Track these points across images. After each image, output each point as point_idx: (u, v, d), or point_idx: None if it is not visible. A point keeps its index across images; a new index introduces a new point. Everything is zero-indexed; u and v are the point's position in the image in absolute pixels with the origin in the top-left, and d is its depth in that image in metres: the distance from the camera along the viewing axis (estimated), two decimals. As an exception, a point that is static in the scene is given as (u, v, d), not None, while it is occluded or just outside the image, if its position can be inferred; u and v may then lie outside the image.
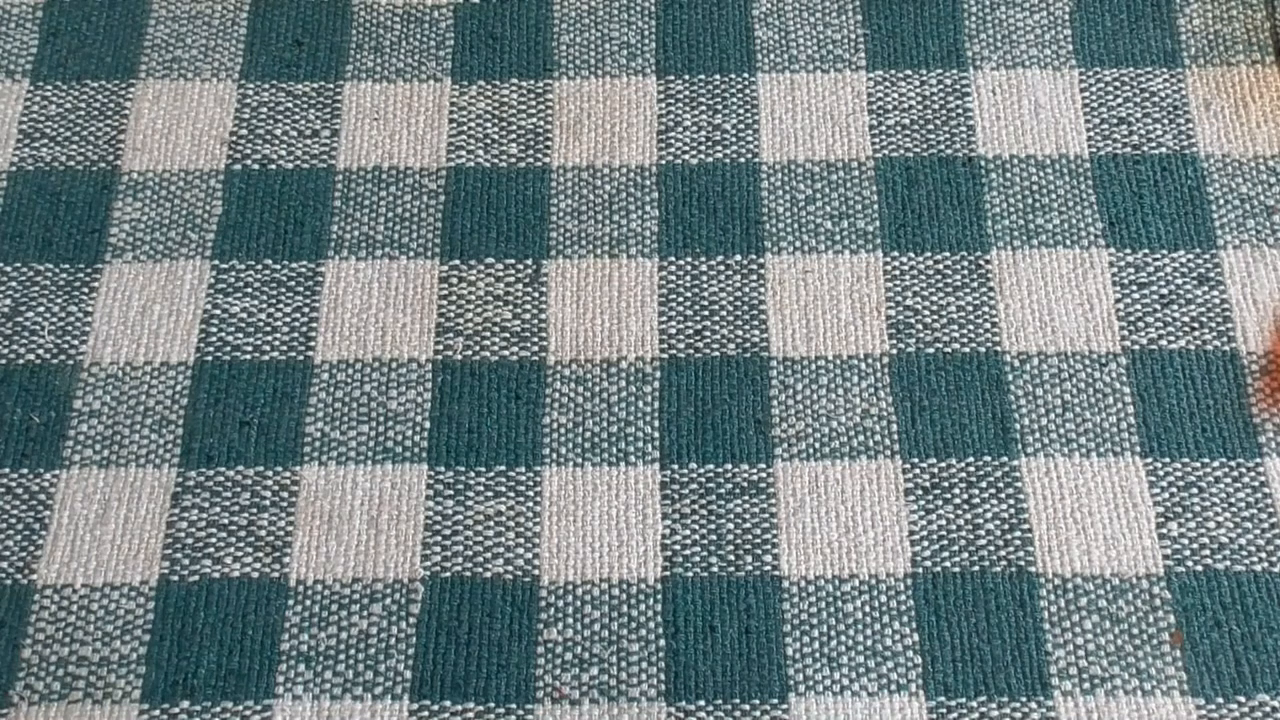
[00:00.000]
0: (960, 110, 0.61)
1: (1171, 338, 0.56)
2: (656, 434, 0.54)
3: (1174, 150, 0.60)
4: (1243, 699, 0.49)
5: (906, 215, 0.58)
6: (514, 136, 0.61)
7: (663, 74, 0.63)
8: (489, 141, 0.61)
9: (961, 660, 0.50)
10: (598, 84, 0.63)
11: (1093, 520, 0.52)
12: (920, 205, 0.59)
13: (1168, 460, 0.54)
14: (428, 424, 0.55)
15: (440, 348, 0.56)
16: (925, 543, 0.52)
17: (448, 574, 0.52)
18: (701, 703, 0.49)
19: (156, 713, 0.49)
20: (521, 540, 0.52)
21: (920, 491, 0.53)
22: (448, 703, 0.50)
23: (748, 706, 0.49)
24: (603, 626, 0.51)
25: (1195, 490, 0.53)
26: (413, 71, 0.63)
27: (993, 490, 0.53)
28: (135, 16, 0.64)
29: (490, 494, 0.53)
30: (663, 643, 0.51)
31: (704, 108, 0.62)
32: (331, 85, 0.63)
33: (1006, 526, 0.52)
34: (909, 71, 0.62)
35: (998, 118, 0.61)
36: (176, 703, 0.50)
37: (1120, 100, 0.61)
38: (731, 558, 0.52)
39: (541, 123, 0.62)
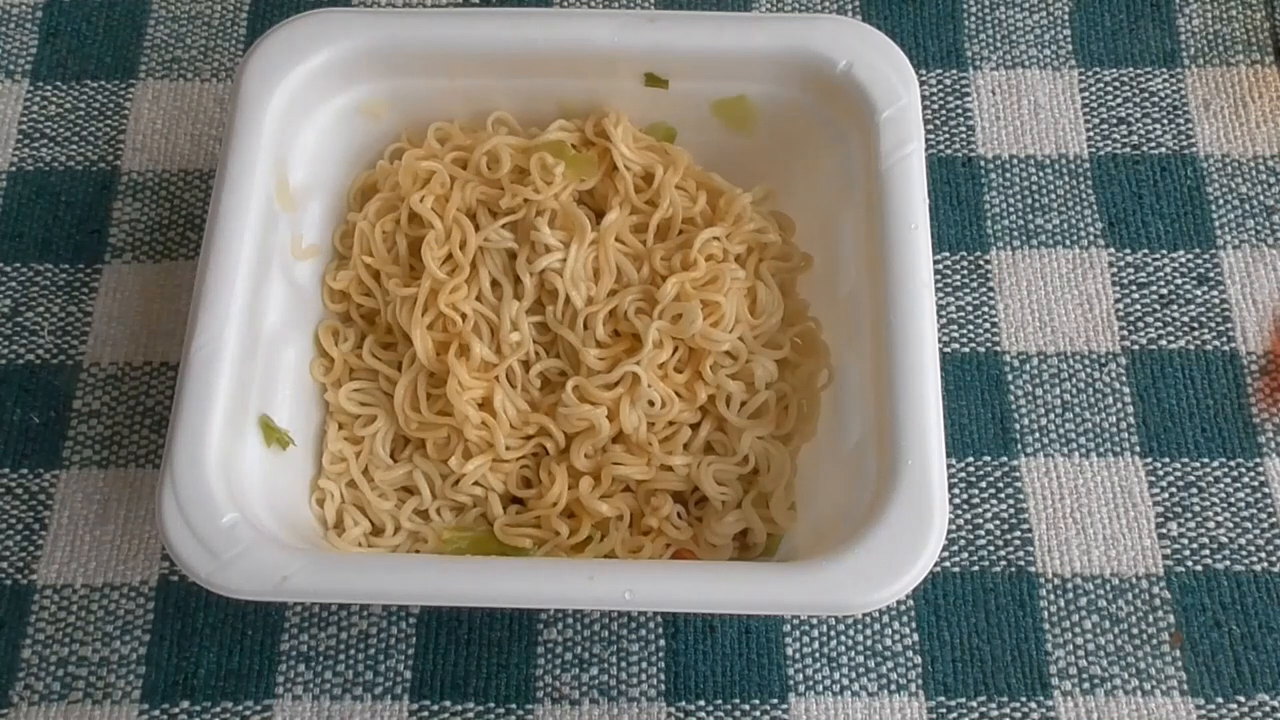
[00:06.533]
0: (960, 110, 0.61)
1: (1171, 338, 0.56)
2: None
3: (1173, 150, 0.60)
4: (1242, 699, 0.49)
5: (906, 215, 0.58)
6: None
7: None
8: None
9: (961, 660, 0.50)
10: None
11: (1092, 520, 0.52)
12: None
13: (1167, 460, 0.54)
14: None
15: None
16: (925, 543, 0.52)
17: (448, 574, 0.52)
18: (701, 703, 0.49)
19: (156, 713, 0.49)
20: (521, 540, 0.52)
21: (920, 491, 0.53)
22: (448, 703, 0.50)
23: (748, 707, 0.49)
24: (603, 627, 0.51)
25: (1195, 490, 0.53)
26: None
27: (992, 490, 0.53)
28: (135, 16, 0.64)
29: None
30: (663, 643, 0.51)
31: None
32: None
33: (1006, 526, 0.52)
34: (908, 71, 0.62)
35: (997, 118, 0.61)
36: (176, 703, 0.50)
37: (1120, 100, 0.61)
38: (731, 558, 0.52)
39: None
